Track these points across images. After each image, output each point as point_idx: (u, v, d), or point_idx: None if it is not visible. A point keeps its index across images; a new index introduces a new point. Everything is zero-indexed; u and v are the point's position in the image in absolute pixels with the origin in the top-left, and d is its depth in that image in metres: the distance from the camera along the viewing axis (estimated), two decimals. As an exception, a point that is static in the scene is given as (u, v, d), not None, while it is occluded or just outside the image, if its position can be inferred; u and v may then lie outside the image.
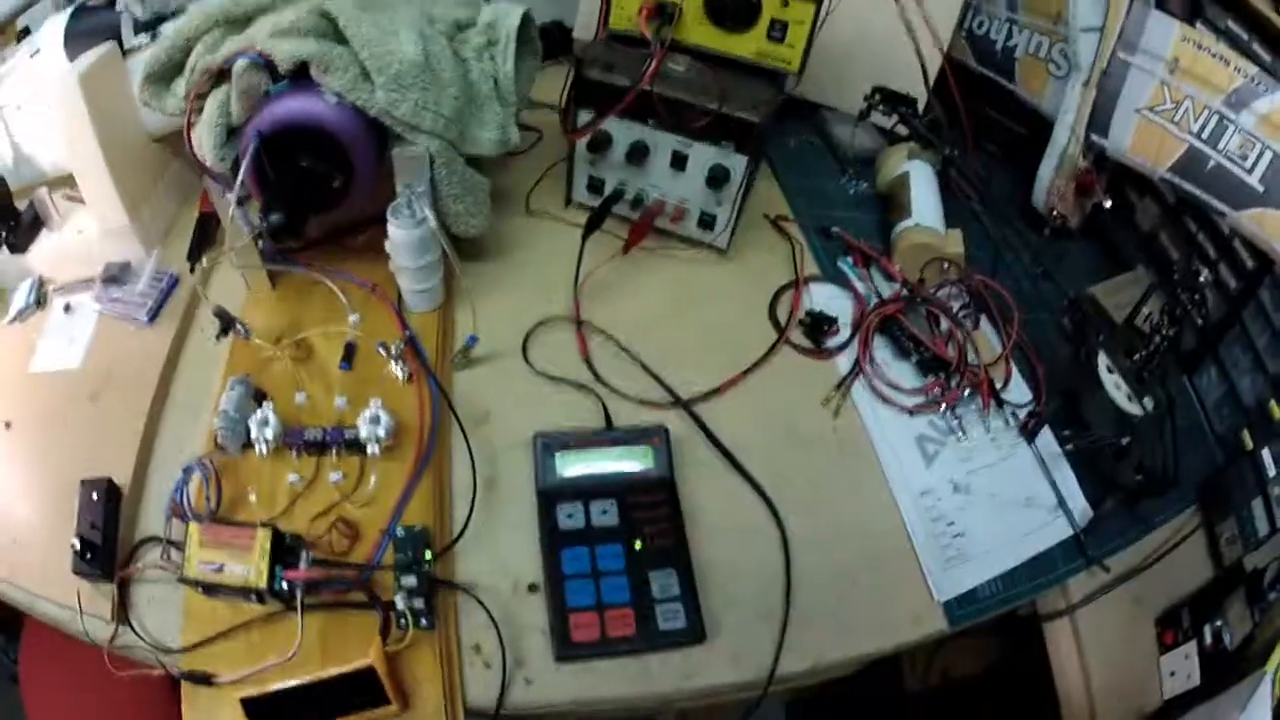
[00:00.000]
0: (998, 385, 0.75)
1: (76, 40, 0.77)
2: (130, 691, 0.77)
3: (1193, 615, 0.72)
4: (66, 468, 0.68)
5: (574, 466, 0.63)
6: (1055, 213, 0.90)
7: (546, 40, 0.86)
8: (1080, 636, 0.70)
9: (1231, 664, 0.67)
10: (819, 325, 0.75)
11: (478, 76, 0.71)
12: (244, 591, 0.58)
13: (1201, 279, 0.86)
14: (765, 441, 0.67)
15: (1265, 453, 0.74)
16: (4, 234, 0.82)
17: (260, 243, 0.73)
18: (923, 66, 0.89)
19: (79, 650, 0.71)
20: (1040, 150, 0.92)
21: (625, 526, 0.60)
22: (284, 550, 0.59)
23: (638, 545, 0.60)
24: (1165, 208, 0.89)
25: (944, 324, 0.76)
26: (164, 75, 0.71)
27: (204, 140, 0.67)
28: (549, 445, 0.63)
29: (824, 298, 0.78)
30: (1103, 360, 0.78)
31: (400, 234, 0.66)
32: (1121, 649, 0.71)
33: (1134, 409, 0.75)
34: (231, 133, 0.68)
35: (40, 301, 0.83)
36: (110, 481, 0.66)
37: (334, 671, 0.55)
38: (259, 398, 0.68)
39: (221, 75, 0.68)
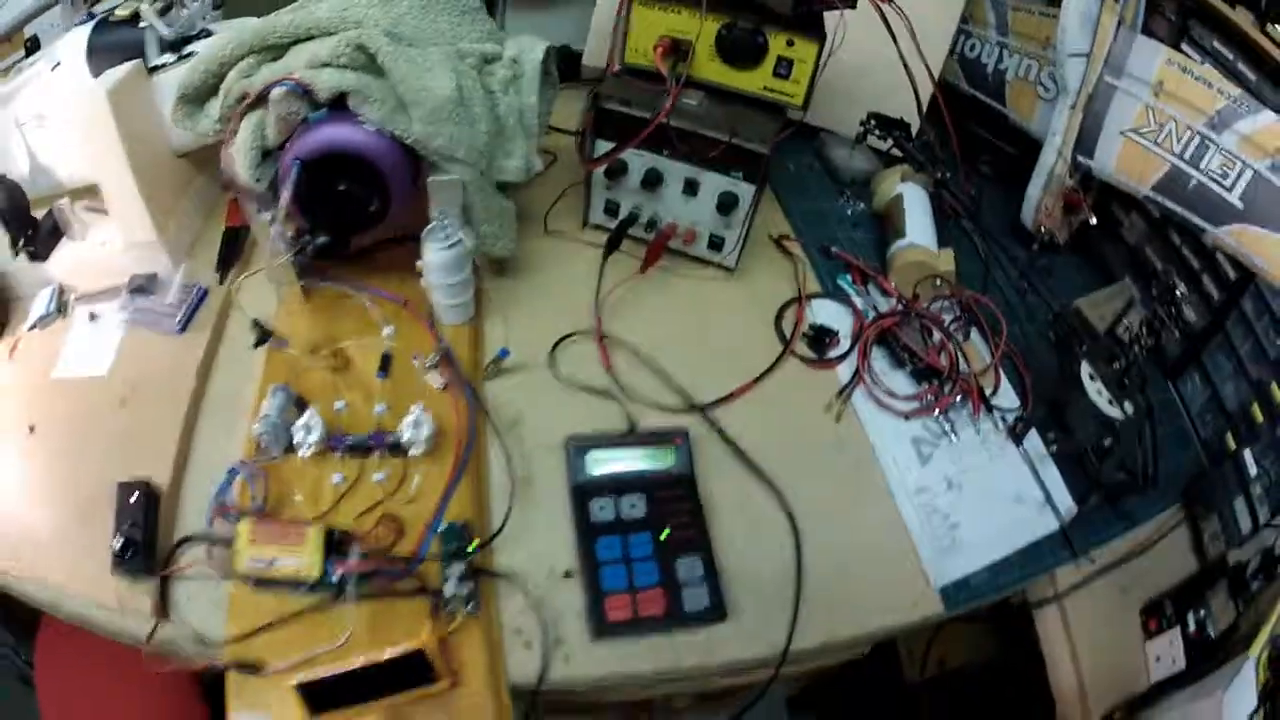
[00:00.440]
0: (987, 392, 0.80)
1: (99, 55, 0.77)
2: (152, 688, 0.80)
3: (1175, 605, 0.77)
4: (94, 471, 0.70)
5: (604, 465, 0.68)
6: (1043, 229, 0.96)
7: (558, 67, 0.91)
8: (1069, 623, 0.75)
9: (1215, 650, 0.72)
10: (821, 338, 0.80)
11: (505, 110, 0.76)
12: (294, 584, 0.62)
13: (1178, 293, 0.92)
14: (775, 442, 0.73)
15: (1247, 453, 0.79)
16: (23, 242, 0.82)
17: (295, 259, 0.76)
18: (916, 94, 0.94)
19: (98, 649, 0.72)
20: (1029, 169, 0.97)
21: (652, 518, 0.66)
22: (334, 544, 0.62)
23: (664, 535, 0.65)
24: (1151, 222, 0.94)
25: (936, 336, 0.82)
26: (196, 97, 0.74)
27: (239, 161, 0.70)
28: (581, 446, 0.69)
29: (825, 312, 0.83)
30: (1085, 368, 0.83)
31: (437, 255, 0.72)
32: (1109, 635, 0.76)
33: (1115, 413, 0.81)
34: (265, 155, 0.71)
35: (61, 309, 0.83)
36: (149, 483, 0.68)
37: (388, 654, 0.59)
38: (299, 404, 0.72)
39: (256, 100, 0.71)
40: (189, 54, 0.79)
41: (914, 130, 0.97)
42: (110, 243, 0.85)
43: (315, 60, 0.70)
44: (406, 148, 0.71)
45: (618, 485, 0.67)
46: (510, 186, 0.79)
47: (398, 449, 0.69)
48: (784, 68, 0.78)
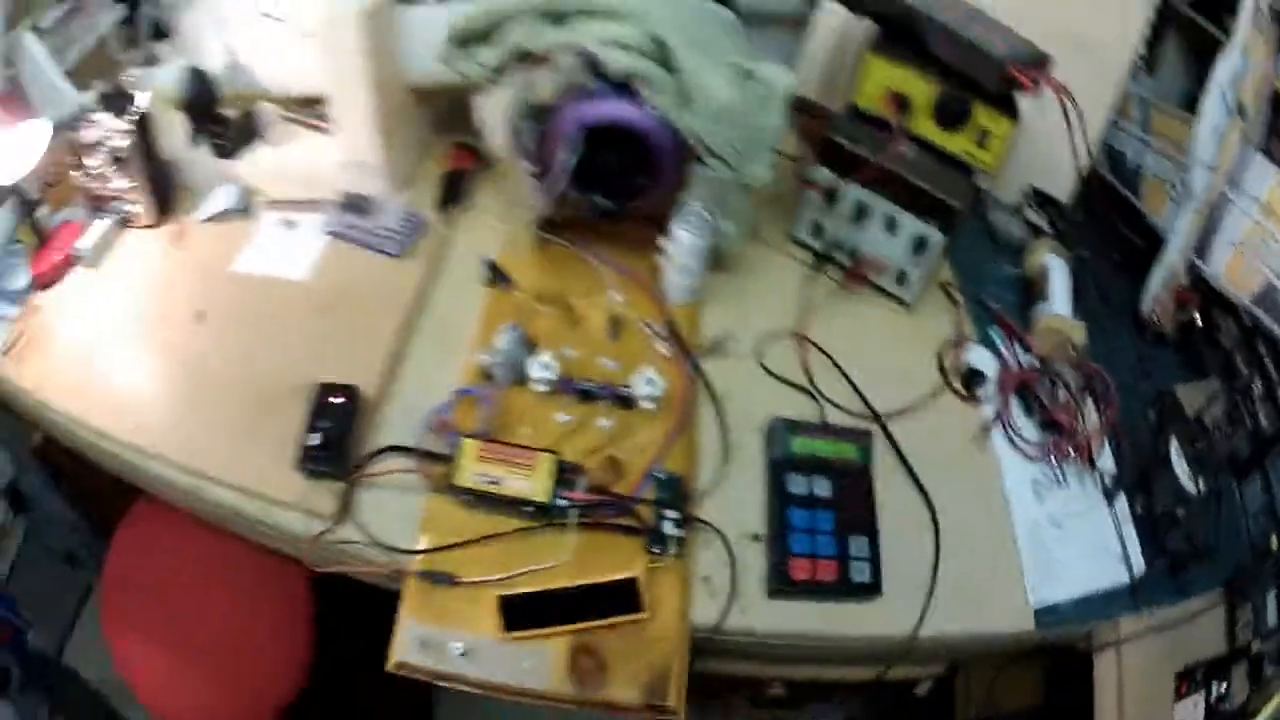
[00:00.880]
0: (1093, 452, 0.93)
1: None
2: (261, 583, 0.83)
3: (1205, 675, 0.86)
4: (276, 367, 0.73)
5: (801, 447, 0.79)
6: (1156, 319, 1.08)
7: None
8: (1122, 668, 0.86)
9: (1229, 720, 0.83)
10: (972, 378, 0.92)
11: (759, 124, 0.87)
12: (515, 504, 0.68)
13: (1255, 399, 1.04)
14: (929, 459, 0.84)
15: (1286, 557, 0.89)
16: (210, 136, 0.83)
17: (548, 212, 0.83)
18: (1077, 173, 1.03)
19: (198, 543, 0.77)
20: (1150, 261, 1.06)
21: (835, 499, 0.77)
22: (561, 474, 0.70)
23: (843, 515, 0.76)
24: (1243, 329, 1.03)
25: (1062, 396, 0.95)
26: (467, 40, 0.80)
27: (507, 111, 0.76)
28: (784, 427, 0.80)
29: (976, 356, 0.95)
30: (1174, 445, 0.97)
31: (688, 238, 0.82)
32: (1148, 689, 0.86)
33: (1191, 488, 0.94)
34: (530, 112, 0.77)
35: (245, 210, 0.86)
36: (356, 388, 0.71)
37: (598, 579, 0.64)
38: (529, 345, 0.80)
39: (528, 57, 0.77)
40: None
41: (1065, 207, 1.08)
42: (319, 156, 0.88)
43: (608, 38, 0.76)
44: (679, 136, 0.79)
45: (811, 466, 0.78)
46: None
47: (624, 401, 0.79)
48: (983, 136, 0.88)
